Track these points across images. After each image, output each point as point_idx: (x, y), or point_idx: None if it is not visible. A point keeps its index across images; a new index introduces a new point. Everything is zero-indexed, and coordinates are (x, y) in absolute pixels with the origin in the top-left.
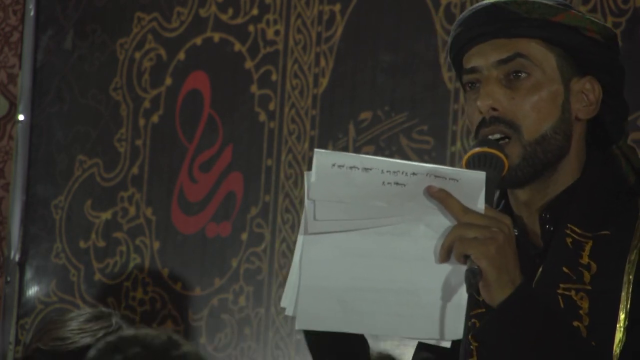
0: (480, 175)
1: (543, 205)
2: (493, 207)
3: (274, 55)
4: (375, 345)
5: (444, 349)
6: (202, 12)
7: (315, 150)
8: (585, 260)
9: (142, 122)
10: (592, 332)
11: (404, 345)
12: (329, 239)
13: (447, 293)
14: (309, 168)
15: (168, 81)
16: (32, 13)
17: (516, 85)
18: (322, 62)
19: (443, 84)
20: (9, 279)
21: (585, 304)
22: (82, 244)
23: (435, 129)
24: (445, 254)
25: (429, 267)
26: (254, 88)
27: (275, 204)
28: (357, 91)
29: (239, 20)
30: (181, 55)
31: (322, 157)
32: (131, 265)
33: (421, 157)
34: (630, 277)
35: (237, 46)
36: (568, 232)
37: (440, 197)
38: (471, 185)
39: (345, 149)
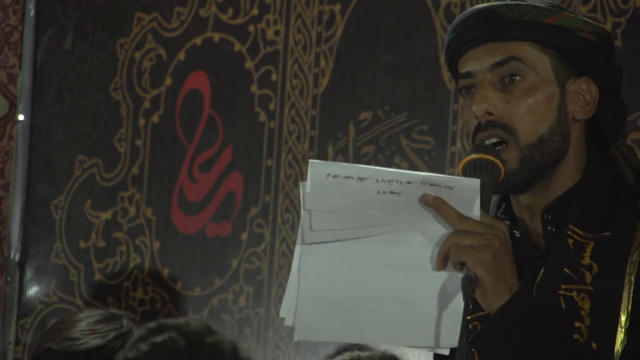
0: (474, 183)
1: (544, 206)
2: (490, 213)
3: (274, 55)
4: (377, 346)
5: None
6: (202, 12)
7: (310, 160)
8: (586, 261)
9: (142, 122)
10: (593, 332)
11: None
12: (326, 248)
13: (444, 301)
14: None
15: (168, 81)
16: (32, 13)
17: (511, 88)
18: (322, 62)
19: (443, 84)
20: (9, 279)
21: (586, 305)
22: (82, 244)
23: (435, 129)
24: (442, 262)
25: (425, 275)
26: (254, 88)
27: (275, 204)
28: (357, 91)
29: (239, 20)
30: (181, 55)
31: (316, 168)
32: (131, 265)
33: (421, 157)
34: (632, 277)
35: (237, 46)
36: (569, 233)
37: (436, 205)
38: (466, 193)
39: (345, 149)
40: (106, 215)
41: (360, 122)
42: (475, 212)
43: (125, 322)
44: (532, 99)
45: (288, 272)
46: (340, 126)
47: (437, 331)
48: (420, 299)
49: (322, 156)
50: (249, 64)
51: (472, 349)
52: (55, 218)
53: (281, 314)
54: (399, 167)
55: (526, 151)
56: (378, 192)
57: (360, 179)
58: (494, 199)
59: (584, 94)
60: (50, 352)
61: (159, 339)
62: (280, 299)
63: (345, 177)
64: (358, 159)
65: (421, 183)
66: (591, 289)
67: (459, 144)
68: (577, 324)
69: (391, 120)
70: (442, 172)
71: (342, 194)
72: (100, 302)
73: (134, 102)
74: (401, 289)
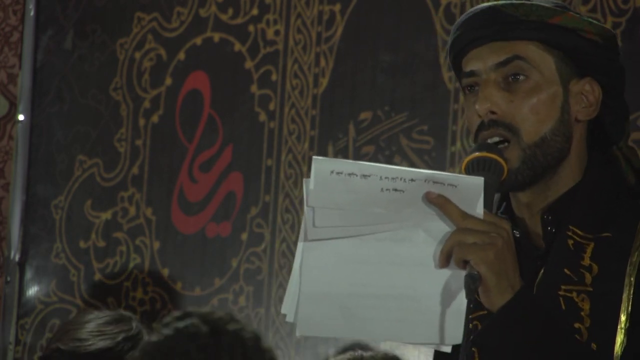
0: (478, 181)
1: (544, 207)
2: (492, 211)
3: (274, 55)
4: (378, 346)
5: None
6: (202, 12)
7: (314, 157)
8: (586, 262)
9: (142, 122)
10: (593, 333)
11: (404, 345)
12: (329, 245)
13: (447, 298)
14: (309, 168)
15: (168, 81)
16: (32, 13)
17: (514, 88)
18: (322, 62)
19: (443, 84)
20: (9, 279)
21: (586, 306)
22: (82, 244)
23: (435, 129)
24: (445, 260)
25: (428, 272)
26: (254, 88)
27: (275, 204)
28: (357, 91)
29: (239, 20)
30: (181, 55)
31: (320, 164)
32: (131, 265)
33: (421, 157)
34: (632, 278)
35: (237, 46)
36: (570, 233)
37: (439, 203)
38: (470, 191)
39: (345, 149)
40: (106, 215)
41: (360, 122)
42: (479, 210)
43: (134, 324)
44: (536, 98)
45: (288, 272)
46: (340, 126)
47: (440, 329)
48: (423, 297)
49: (322, 156)
50: (249, 64)
51: (473, 348)
52: (55, 218)
53: (283, 310)
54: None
55: (528, 150)
56: (382, 189)
57: (364, 176)
58: (495, 198)
59: (587, 95)
60: (58, 353)
61: (182, 324)
62: (280, 299)
63: (349, 174)
64: (358, 159)
65: (425, 181)
66: (591, 289)
67: (459, 144)
68: (576, 325)
69: (391, 120)
70: (443, 171)
71: (346, 191)
72: (100, 302)
73: (134, 102)
74: (404, 286)
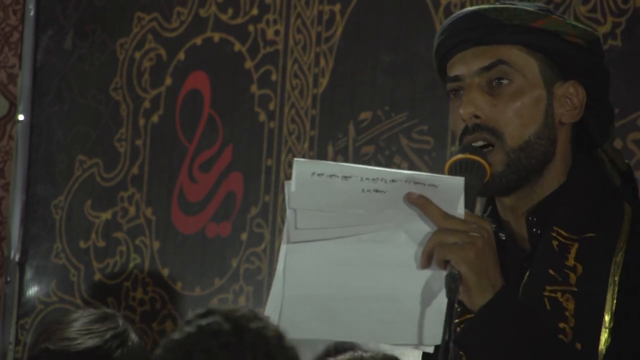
0: (459, 181)
1: (529, 209)
2: (474, 212)
3: (274, 55)
4: (378, 346)
5: None
6: (202, 12)
7: (295, 159)
8: (571, 262)
9: (142, 122)
10: (578, 333)
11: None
12: (311, 247)
13: (428, 298)
14: None
15: (168, 81)
16: (32, 13)
17: (498, 92)
18: (322, 62)
19: (443, 84)
20: (9, 279)
21: (571, 306)
22: (82, 244)
23: (435, 129)
24: (426, 260)
25: (410, 273)
26: (254, 88)
27: (275, 204)
28: (357, 91)
29: (239, 20)
30: (181, 55)
31: (301, 166)
32: (131, 265)
33: (421, 157)
34: (616, 278)
35: (237, 46)
36: (554, 235)
37: (420, 204)
38: (450, 191)
39: (345, 149)
40: (106, 215)
41: (360, 122)
42: (460, 210)
43: (120, 321)
44: (520, 102)
45: None
46: (340, 126)
47: (421, 329)
48: (405, 297)
49: (322, 156)
50: (249, 64)
51: (460, 352)
52: (55, 218)
53: (266, 312)
54: (399, 167)
55: (512, 154)
56: (363, 190)
57: (345, 177)
58: (481, 201)
59: (571, 98)
60: (47, 353)
61: (204, 321)
62: None
63: (330, 176)
64: (358, 159)
65: (406, 181)
66: (575, 289)
67: (458, 144)
68: (561, 325)
69: (391, 120)
70: (443, 172)
71: (327, 193)
72: (100, 302)
73: (134, 102)
74: (386, 287)
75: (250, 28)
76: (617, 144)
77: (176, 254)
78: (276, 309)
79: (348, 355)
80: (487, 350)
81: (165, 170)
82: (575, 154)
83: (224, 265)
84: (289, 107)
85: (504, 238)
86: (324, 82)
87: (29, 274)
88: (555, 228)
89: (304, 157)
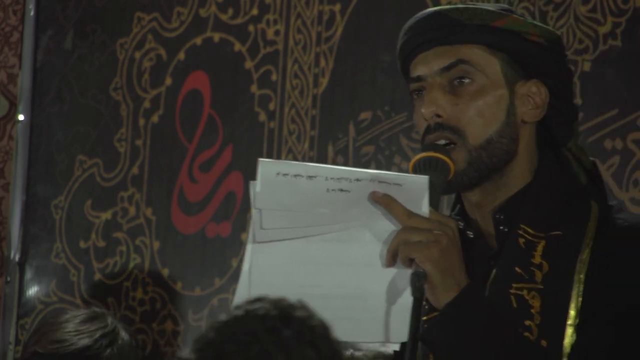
0: (423, 179)
1: (496, 207)
2: (438, 210)
3: (274, 55)
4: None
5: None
6: (202, 12)
7: (259, 159)
8: (537, 260)
9: (142, 122)
10: (543, 330)
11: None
12: (277, 247)
13: (394, 297)
14: None
15: (168, 81)
16: (32, 13)
17: (460, 91)
18: (322, 62)
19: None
20: (9, 279)
21: (537, 303)
22: (82, 244)
23: None
24: (391, 258)
25: (376, 271)
26: (254, 88)
27: None
28: (357, 91)
29: (239, 20)
30: (181, 55)
31: (266, 166)
32: (131, 265)
33: None
34: (581, 276)
35: (237, 46)
36: (521, 232)
37: (385, 202)
38: (415, 190)
39: (345, 149)
40: (106, 215)
41: (360, 122)
42: (424, 209)
43: (109, 320)
44: (481, 101)
45: None
46: (340, 126)
47: (387, 326)
48: (370, 295)
49: (322, 156)
50: (249, 64)
51: (429, 352)
52: (55, 218)
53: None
54: (399, 167)
55: (474, 152)
56: (327, 190)
57: (310, 177)
58: (449, 199)
59: (533, 97)
60: (37, 356)
61: (252, 306)
62: None
63: (295, 176)
64: (358, 159)
65: (370, 180)
66: (542, 287)
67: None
68: (527, 322)
69: (391, 120)
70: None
71: (292, 192)
72: (100, 302)
73: (134, 102)
74: (352, 285)
75: (250, 28)
76: (618, 143)
77: (176, 254)
78: None
79: None
80: (452, 347)
81: (165, 170)
82: (541, 152)
83: (224, 265)
84: (289, 107)
85: (472, 236)
86: (324, 82)
87: (29, 274)
88: (521, 226)
89: (304, 157)
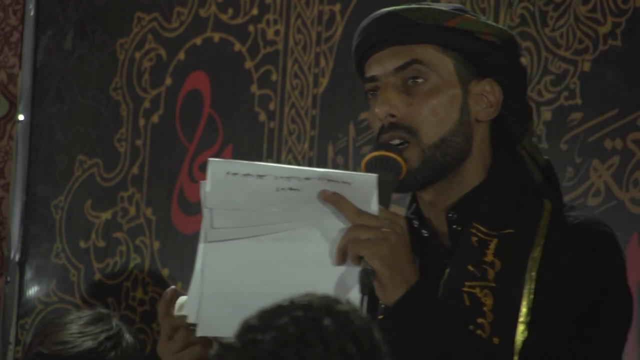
0: (371, 178)
1: (449, 205)
2: (389, 208)
3: (274, 55)
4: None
5: None
6: (202, 12)
7: (209, 159)
8: (489, 258)
9: (142, 122)
10: (495, 328)
11: None
12: (229, 246)
13: (344, 294)
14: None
15: (168, 81)
16: (32, 13)
17: (414, 90)
18: (322, 62)
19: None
20: (9, 279)
21: (489, 301)
22: (82, 244)
23: None
24: (341, 256)
25: (326, 270)
26: (254, 88)
27: None
28: (357, 91)
29: (239, 20)
30: (181, 55)
31: (216, 166)
32: (131, 265)
33: None
34: (533, 273)
35: (237, 46)
36: (474, 231)
37: (334, 201)
38: (364, 188)
39: (345, 148)
40: (106, 215)
41: (360, 122)
42: (374, 207)
43: (114, 322)
44: (435, 100)
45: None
46: (340, 126)
47: None
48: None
49: (322, 156)
50: (249, 64)
51: None
52: (55, 218)
53: (184, 312)
54: None
55: (428, 151)
56: (277, 189)
57: (260, 176)
58: (398, 197)
59: (487, 96)
60: (41, 357)
61: (298, 298)
62: None
63: (245, 175)
64: (358, 159)
65: (319, 179)
66: (494, 285)
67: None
68: (480, 320)
69: None
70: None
71: (242, 192)
72: (100, 302)
73: (134, 102)
74: (303, 284)
75: (250, 28)
76: (618, 143)
77: (176, 254)
78: (194, 307)
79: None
80: (401, 344)
81: (165, 170)
82: (495, 151)
83: None
84: (289, 107)
85: (426, 234)
86: (324, 82)
87: (29, 274)
88: (474, 224)
89: (304, 157)
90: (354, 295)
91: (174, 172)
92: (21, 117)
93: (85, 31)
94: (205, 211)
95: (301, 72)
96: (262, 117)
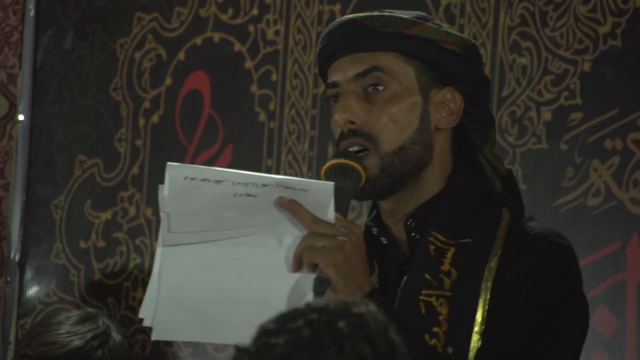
0: (328, 186)
1: (408, 213)
2: (346, 216)
3: (274, 55)
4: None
5: None
6: (202, 12)
7: (167, 163)
8: (446, 267)
9: (142, 122)
10: (450, 337)
11: None
12: (186, 250)
13: (299, 301)
14: (309, 168)
15: (168, 81)
16: (32, 13)
17: (374, 98)
18: None
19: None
20: (9, 279)
21: (444, 310)
22: (82, 244)
23: None
24: (297, 264)
25: (282, 276)
26: (254, 88)
27: None
28: None
29: (239, 20)
30: (181, 55)
31: (174, 170)
32: (131, 265)
33: None
34: (489, 284)
35: (237, 46)
36: (431, 239)
37: (290, 208)
38: (320, 196)
39: None
40: (106, 215)
41: None
42: (330, 214)
43: (101, 321)
44: (394, 108)
45: None
46: None
47: None
48: (277, 300)
49: (322, 156)
50: (249, 64)
51: None
52: (55, 218)
53: (140, 315)
54: None
55: (386, 159)
56: (235, 194)
57: (217, 181)
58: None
59: (448, 104)
60: (27, 358)
61: (316, 300)
62: None
63: (202, 180)
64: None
65: (276, 186)
66: (449, 294)
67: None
68: (435, 329)
69: None
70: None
71: (200, 197)
72: (100, 302)
73: (134, 102)
74: (259, 290)
75: (250, 28)
76: (618, 143)
77: None
78: (150, 311)
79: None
80: None
81: (165, 170)
82: (456, 159)
83: None
84: (289, 107)
85: (385, 242)
86: None
87: (29, 274)
88: (432, 233)
89: (304, 157)
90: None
91: None
92: (21, 117)
93: (85, 31)
94: (162, 215)
95: (301, 72)
96: (262, 117)
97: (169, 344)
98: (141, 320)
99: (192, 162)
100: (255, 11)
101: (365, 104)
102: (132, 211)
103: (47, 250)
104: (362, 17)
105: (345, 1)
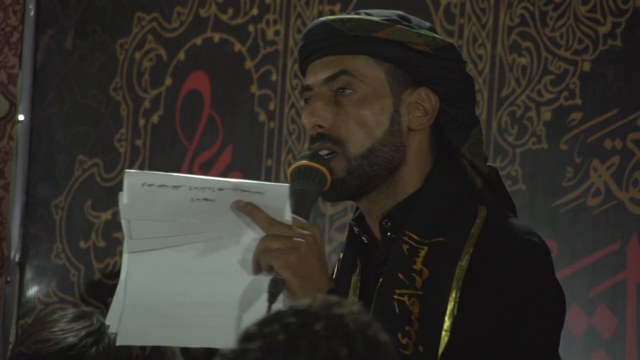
0: (283, 188)
1: (383, 213)
2: (309, 218)
3: (274, 55)
4: None
5: None
6: (202, 12)
7: (126, 170)
8: (418, 266)
9: (142, 122)
10: (420, 336)
11: None
12: (150, 256)
13: (259, 304)
14: None
15: (168, 81)
16: (32, 13)
17: (342, 101)
18: None
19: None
20: (9, 279)
21: (416, 309)
22: (82, 244)
23: None
24: (256, 266)
25: (243, 279)
26: (254, 88)
27: None
28: None
29: (239, 20)
30: (181, 55)
31: (132, 177)
32: None
33: None
34: (459, 282)
35: (237, 46)
36: (406, 239)
37: (247, 210)
38: (276, 198)
39: None
40: (106, 215)
41: None
42: (287, 216)
43: (95, 319)
44: (363, 111)
45: None
46: None
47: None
48: (238, 303)
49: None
50: (249, 64)
51: None
52: (55, 218)
53: (107, 321)
54: None
55: (354, 162)
56: (192, 199)
57: (175, 187)
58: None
59: (422, 104)
60: (21, 356)
61: (299, 303)
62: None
63: (160, 186)
64: None
65: (233, 189)
66: (421, 293)
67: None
68: (407, 328)
69: None
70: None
71: (159, 203)
72: (100, 302)
73: (134, 102)
74: (220, 294)
75: (250, 28)
76: (617, 143)
77: None
78: (117, 317)
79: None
80: None
81: (165, 170)
82: (436, 158)
83: None
84: (289, 107)
85: (366, 241)
86: None
87: (29, 274)
88: (407, 232)
89: None
90: (262, 304)
91: (174, 172)
92: (21, 117)
93: (86, 31)
94: (123, 222)
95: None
96: (262, 117)
97: None
98: None
99: (192, 162)
100: (255, 11)
101: (333, 108)
102: None
103: (47, 250)
104: (332, 20)
105: (345, 1)
